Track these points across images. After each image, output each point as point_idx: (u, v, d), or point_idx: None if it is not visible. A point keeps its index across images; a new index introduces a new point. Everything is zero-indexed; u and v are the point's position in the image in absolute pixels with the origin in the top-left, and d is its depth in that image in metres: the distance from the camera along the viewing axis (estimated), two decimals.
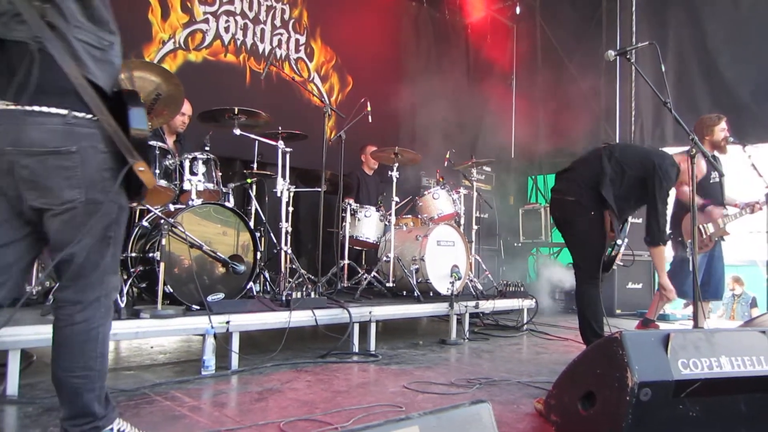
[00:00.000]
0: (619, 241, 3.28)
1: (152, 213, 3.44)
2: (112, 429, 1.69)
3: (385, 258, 4.53)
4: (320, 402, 2.42)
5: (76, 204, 1.56)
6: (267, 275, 4.13)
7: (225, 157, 4.91)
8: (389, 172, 4.66)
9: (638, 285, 6.09)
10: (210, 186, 3.65)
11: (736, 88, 5.86)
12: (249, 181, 4.44)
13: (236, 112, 3.89)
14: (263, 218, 4.51)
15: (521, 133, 7.97)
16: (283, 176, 4.14)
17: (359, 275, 4.68)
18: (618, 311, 5.78)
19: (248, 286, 3.57)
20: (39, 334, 2.41)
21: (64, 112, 1.51)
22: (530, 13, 7.94)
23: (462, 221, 5.23)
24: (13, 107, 1.49)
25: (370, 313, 3.65)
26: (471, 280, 4.89)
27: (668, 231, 4.49)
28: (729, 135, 4.21)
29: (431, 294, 4.45)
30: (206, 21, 5.52)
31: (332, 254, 5.06)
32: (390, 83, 6.49)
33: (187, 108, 4.22)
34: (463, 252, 4.75)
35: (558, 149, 7.11)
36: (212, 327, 2.89)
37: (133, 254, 3.41)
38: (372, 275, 4.48)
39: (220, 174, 3.86)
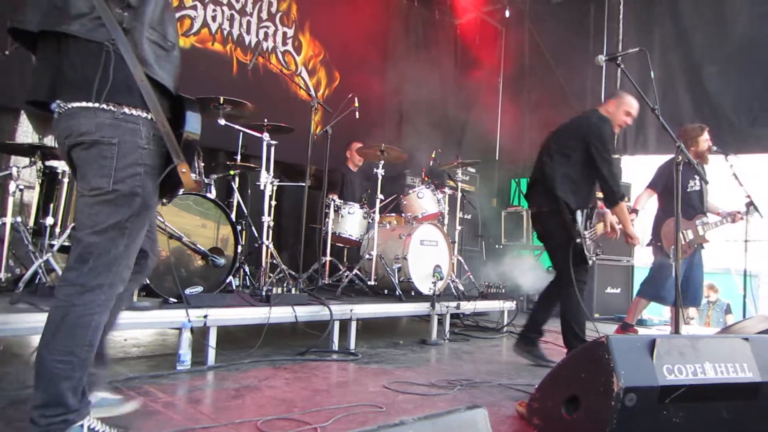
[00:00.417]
0: (585, 232, 3.29)
1: None
2: (82, 426, 1.62)
3: (367, 256, 4.49)
4: (299, 401, 2.37)
5: (102, 192, 1.65)
6: (247, 270, 4.06)
7: (208, 147, 4.82)
8: (374, 170, 4.61)
9: (616, 290, 6.16)
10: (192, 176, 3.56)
11: (718, 99, 5.96)
12: (232, 173, 4.34)
13: (221, 102, 3.82)
14: (245, 211, 4.42)
15: (506, 136, 7.98)
16: (267, 169, 4.08)
17: (341, 272, 4.64)
18: (597, 315, 5.83)
19: (228, 280, 3.50)
20: (7, 323, 2.32)
21: (115, 108, 1.64)
22: (519, 17, 7.97)
23: (446, 221, 5.21)
24: (91, 105, 1.62)
25: (351, 311, 3.61)
26: (453, 281, 4.88)
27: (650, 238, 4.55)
28: (712, 145, 4.27)
29: (413, 293, 4.42)
30: (194, 8, 5.41)
31: (314, 250, 4.99)
32: (377, 80, 6.43)
33: None
34: (446, 252, 4.73)
35: None
36: (189, 321, 2.81)
37: None
38: (354, 273, 4.43)
39: (203, 164, 3.78)
